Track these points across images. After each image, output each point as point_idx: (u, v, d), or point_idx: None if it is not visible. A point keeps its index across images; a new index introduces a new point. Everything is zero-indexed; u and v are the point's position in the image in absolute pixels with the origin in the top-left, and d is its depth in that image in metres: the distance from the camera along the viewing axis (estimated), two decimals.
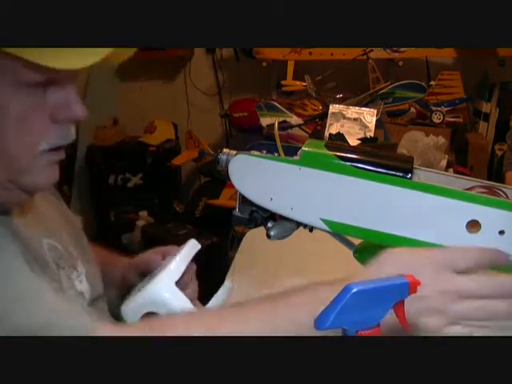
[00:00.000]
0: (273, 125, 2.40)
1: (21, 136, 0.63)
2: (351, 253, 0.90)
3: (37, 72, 0.61)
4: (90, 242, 0.96)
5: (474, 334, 0.59)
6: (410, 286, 0.56)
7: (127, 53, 0.69)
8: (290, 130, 2.51)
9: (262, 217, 0.81)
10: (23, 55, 0.58)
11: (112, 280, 0.93)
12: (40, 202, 0.79)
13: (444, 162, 1.98)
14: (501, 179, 1.96)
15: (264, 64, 2.94)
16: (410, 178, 0.74)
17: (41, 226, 0.75)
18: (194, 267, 0.91)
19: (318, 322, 0.54)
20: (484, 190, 0.78)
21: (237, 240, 2.25)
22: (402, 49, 2.75)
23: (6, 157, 0.63)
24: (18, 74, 0.61)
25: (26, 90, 0.62)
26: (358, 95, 2.35)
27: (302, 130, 2.53)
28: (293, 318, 0.62)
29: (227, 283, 0.94)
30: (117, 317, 0.86)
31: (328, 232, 0.79)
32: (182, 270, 0.86)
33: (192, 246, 0.90)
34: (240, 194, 0.80)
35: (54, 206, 0.85)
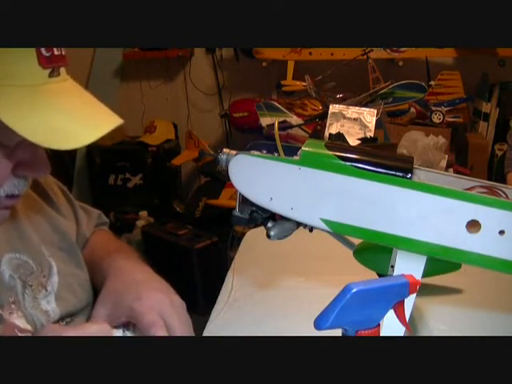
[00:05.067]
0: (273, 125, 2.40)
1: None
2: (351, 253, 0.90)
3: (15, 137, 0.62)
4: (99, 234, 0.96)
5: None
6: (410, 286, 0.57)
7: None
8: (290, 130, 2.51)
9: (261, 217, 0.81)
10: (12, 126, 0.59)
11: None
12: (21, 209, 0.78)
13: (444, 162, 1.98)
14: (501, 179, 1.96)
15: (264, 64, 2.94)
16: (410, 178, 0.74)
17: (8, 239, 0.75)
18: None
19: (318, 321, 0.54)
20: (484, 190, 0.78)
21: (237, 240, 2.25)
22: (402, 49, 2.75)
23: None
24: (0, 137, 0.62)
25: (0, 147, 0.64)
26: (358, 95, 2.35)
27: (302, 129, 2.53)
28: None
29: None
30: None
31: (328, 232, 0.79)
32: None
33: None
34: (240, 193, 0.80)
35: (39, 211, 0.83)
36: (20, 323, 0.71)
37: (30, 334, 0.71)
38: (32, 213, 0.81)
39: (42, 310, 0.75)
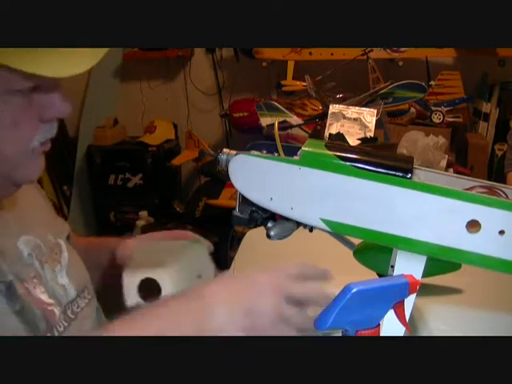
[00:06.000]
0: (273, 125, 2.40)
1: (14, 137, 0.67)
2: (351, 253, 0.90)
3: (28, 79, 0.63)
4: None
5: None
6: (410, 286, 0.57)
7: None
8: (290, 130, 2.51)
9: (261, 217, 0.81)
10: (17, 66, 0.60)
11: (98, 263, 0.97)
12: (22, 197, 0.82)
13: (444, 162, 1.99)
14: (501, 179, 1.96)
15: (264, 64, 2.94)
16: (410, 178, 0.74)
17: (20, 223, 0.79)
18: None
19: (318, 322, 0.54)
20: (484, 190, 0.78)
21: (237, 240, 2.25)
22: (402, 49, 2.75)
23: (0, 156, 0.67)
24: (11, 83, 0.64)
25: (17, 95, 0.65)
26: (358, 95, 2.35)
27: (302, 129, 2.53)
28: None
29: None
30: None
31: (328, 232, 0.79)
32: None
33: None
34: (240, 193, 0.80)
35: (34, 197, 0.88)
36: (44, 298, 0.75)
37: (54, 308, 0.75)
38: (33, 202, 0.86)
39: (59, 283, 0.79)
